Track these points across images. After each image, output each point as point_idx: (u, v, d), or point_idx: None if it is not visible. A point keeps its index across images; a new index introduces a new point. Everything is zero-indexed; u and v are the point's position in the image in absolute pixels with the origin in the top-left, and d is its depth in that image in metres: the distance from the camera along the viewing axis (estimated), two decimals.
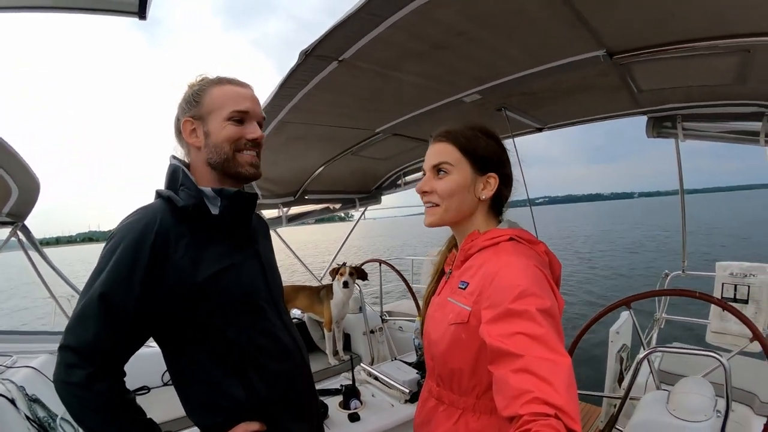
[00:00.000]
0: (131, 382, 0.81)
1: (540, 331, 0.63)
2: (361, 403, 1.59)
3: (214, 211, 0.87)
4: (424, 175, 0.92)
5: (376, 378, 1.79)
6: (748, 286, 1.94)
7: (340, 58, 1.27)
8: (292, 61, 1.30)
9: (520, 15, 1.07)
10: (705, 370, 1.31)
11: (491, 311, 0.70)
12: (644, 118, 1.73)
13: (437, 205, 0.88)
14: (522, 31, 1.18)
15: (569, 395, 0.55)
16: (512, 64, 1.44)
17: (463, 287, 0.83)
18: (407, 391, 1.62)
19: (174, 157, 0.92)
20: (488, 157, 0.87)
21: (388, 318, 3.45)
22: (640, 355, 1.35)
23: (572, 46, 1.22)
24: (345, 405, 1.57)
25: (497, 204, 0.91)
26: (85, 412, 0.72)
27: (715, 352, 1.25)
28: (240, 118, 0.88)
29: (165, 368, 0.89)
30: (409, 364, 1.89)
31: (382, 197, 3.57)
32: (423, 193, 0.90)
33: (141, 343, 0.81)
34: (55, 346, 0.75)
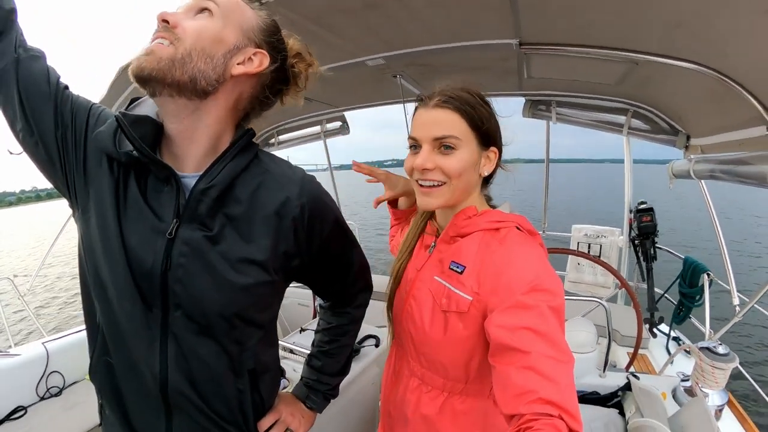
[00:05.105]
0: (2, 406, 0.59)
1: (547, 329, 0.60)
2: (288, 381, 1.50)
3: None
4: (415, 146, 0.79)
5: (291, 351, 1.71)
6: (600, 245, 2.53)
7: (263, 0, 1.04)
8: None
9: None
10: (581, 311, 1.72)
11: (500, 303, 0.67)
12: (522, 100, 2.00)
13: (441, 185, 0.76)
14: (456, 8, 1.18)
15: (572, 396, 0.55)
16: (430, 36, 1.43)
17: (459, 271, 0.76)
18: None
19: None
20: (492, 131, 0.79)
21: None
22: None
23: (493, 30, 1.29)
24: None
25: (487, 179, 0.85)
26: None
27: (598, 299, 1.62)
28: None
29: (38, 379, 0.68)
30: None
31: None
32: (424, 170, 0.76)
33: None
34: None
